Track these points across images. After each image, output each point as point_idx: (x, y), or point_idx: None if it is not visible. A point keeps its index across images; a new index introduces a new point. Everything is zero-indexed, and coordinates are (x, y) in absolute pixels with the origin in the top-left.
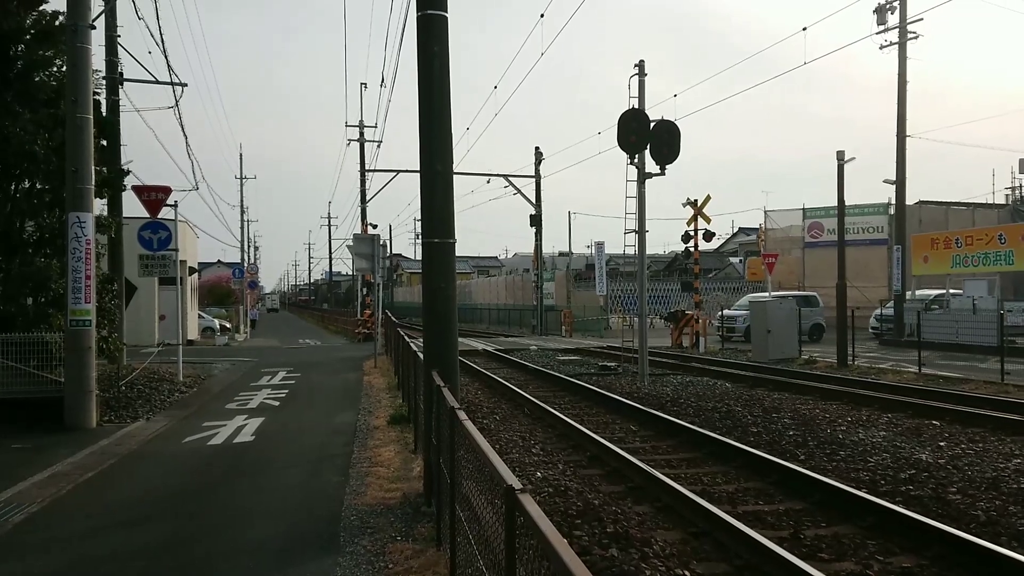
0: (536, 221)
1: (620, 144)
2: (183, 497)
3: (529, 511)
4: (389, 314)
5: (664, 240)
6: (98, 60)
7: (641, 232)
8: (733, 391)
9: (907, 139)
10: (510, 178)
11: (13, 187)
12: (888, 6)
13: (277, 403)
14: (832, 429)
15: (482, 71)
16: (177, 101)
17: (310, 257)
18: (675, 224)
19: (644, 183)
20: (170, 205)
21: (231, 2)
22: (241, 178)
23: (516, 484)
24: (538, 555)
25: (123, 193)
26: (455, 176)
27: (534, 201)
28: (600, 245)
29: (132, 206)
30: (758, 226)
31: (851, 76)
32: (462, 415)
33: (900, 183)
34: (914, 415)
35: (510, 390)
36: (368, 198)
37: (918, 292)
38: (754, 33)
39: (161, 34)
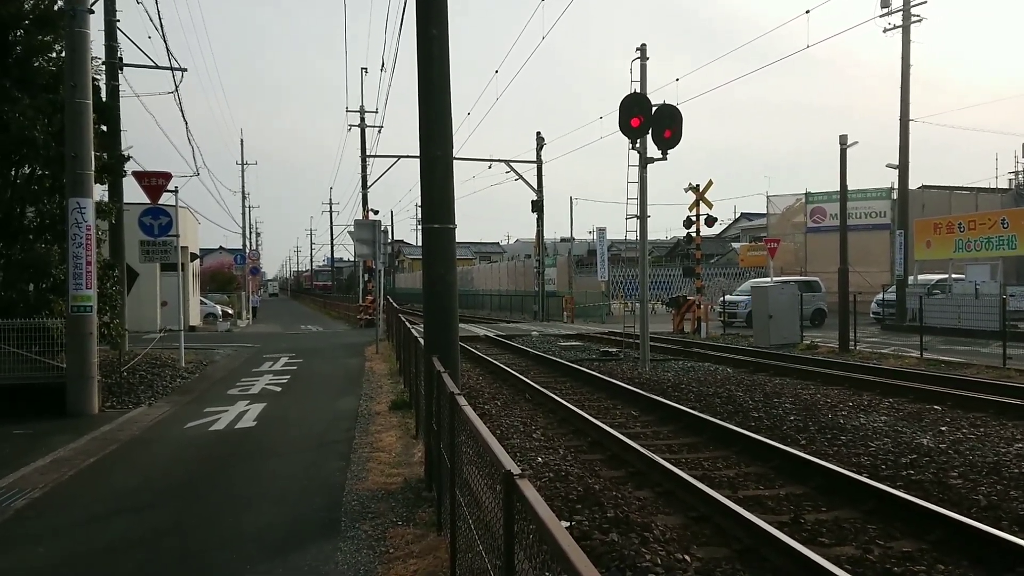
0: (538, 207)
1: (622, 129)
2: (185, 483)
3: (527, 496)
4: (391, 300)
5: (666, 226)
6: (97, 45)
7: (643, 217)
8: (734, 376)
9: (910, 123)
10: (511, 163)
11: (13, 173)
12: None
13: (279, 389)
14: (833, 414)
15: (483, 55)
16: (177, 86)
17: (312, 243)
18: (677, 210)
19: (646, 168)
20: (171, 191)
21: None
22: (242, 164)
23: (515, 469)
24: (536, 539)
25: (123, 179)
26: (456, 161)
27: (536, 187)
28: (602, 231)
29: (133, 192)
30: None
31: (854, 64)
32: (462, 401)
33: (903, 167)
34: (915, 400)
35: (511, 376)
36: (369, 184)
37: (920, 277)
38: (756, 17)
39: (160, 19)
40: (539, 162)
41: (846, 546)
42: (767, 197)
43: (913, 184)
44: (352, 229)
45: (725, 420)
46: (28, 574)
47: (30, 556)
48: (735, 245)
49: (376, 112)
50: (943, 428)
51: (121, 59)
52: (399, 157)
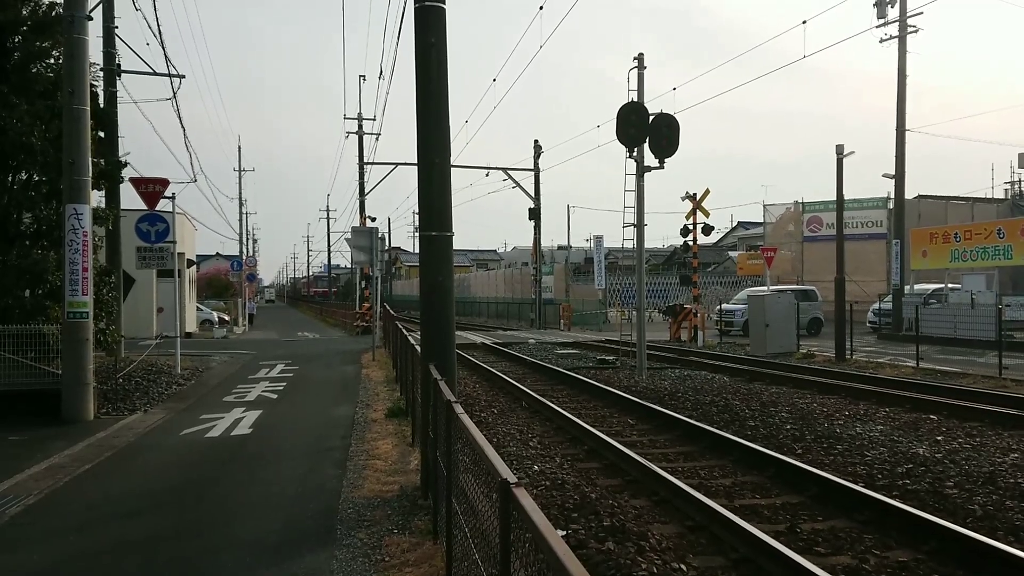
0: (535, 214)
1: (619, 137)
2: (180, 490)
3: (523, 505)
4: (387, 307)
5: (663, 234)
6: (95, 51)
7: (640, 226)
8: (731, 385)
9: (906, 133)
10: (509, 171)
11: (10, 179)
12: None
13: (275, 396)
14: (830, 423)
15: (481, 63)
16: (175, 93)
17: (308, 250)
18: (674, 218)
19: (643, 177)
20: (168, 197)
21: None
22: (240, 170)
23: (511, 478)
24: (532, 548)
25: (121, 185)
26: (453, 169)
27: (533, 195)
28: (599, 239)
29: (130, 198)
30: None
31: (851, 73)
32: (458, 408)
33: (899, 177)
34: (912, 409)
35: (508, 383)
36: (367, 191)
37: (916, 286)
38: (752, 28)
39: (159, 25)
40: (536, 170)
41: (842, 556)
42: (764, 206)
43: (909, 194)
44: (349, 236)
45: (721, 429)
46: None
47: (26, 561)
48: (732, 254)
49: (374, 119)
50: (939, 438)
51: (119, 65)
52: (397, 164)
